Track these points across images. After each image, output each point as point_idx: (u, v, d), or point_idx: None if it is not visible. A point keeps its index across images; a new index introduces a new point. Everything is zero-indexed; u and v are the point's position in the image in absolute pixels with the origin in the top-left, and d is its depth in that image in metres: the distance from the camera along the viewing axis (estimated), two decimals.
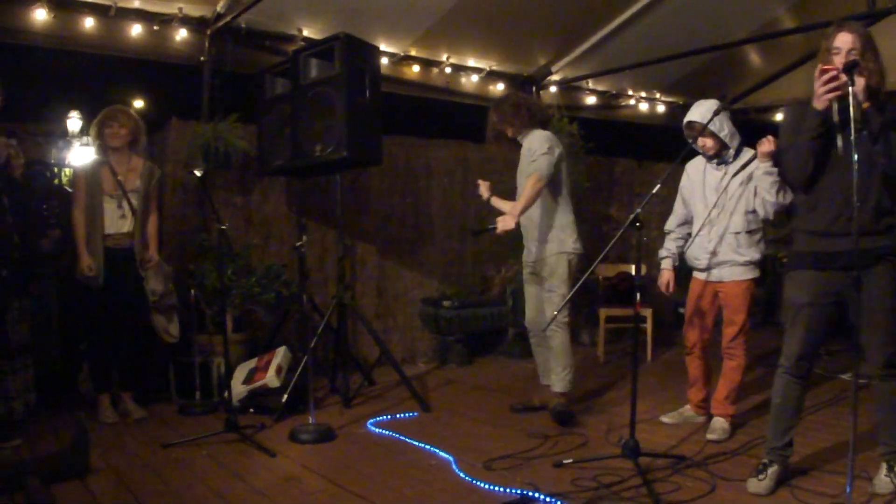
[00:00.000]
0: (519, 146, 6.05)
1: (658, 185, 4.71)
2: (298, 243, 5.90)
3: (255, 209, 7.66)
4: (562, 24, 8.42)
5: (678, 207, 5.94)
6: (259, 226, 7.67)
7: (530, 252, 6.05)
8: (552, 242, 5.90)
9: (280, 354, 6.49)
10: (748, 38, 8.87)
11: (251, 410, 6.22)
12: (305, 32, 7.39)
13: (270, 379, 6.24)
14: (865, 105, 3.95)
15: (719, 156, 5.52)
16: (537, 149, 5.80)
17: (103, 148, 6.14)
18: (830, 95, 3.92)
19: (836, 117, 3.95)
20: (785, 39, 9.08)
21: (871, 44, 4.05)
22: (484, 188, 6.25)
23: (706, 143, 5.46)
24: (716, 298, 5.66)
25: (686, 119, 5.46)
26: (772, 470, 4.40)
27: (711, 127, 5.29)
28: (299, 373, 6.18)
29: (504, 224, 5.57)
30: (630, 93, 10.49)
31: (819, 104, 3.98)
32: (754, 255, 5.47)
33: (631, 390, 4.67)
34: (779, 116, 10.00)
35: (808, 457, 4.89)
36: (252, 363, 6.58)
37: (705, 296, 5.71)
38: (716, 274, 5.58)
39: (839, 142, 3.93)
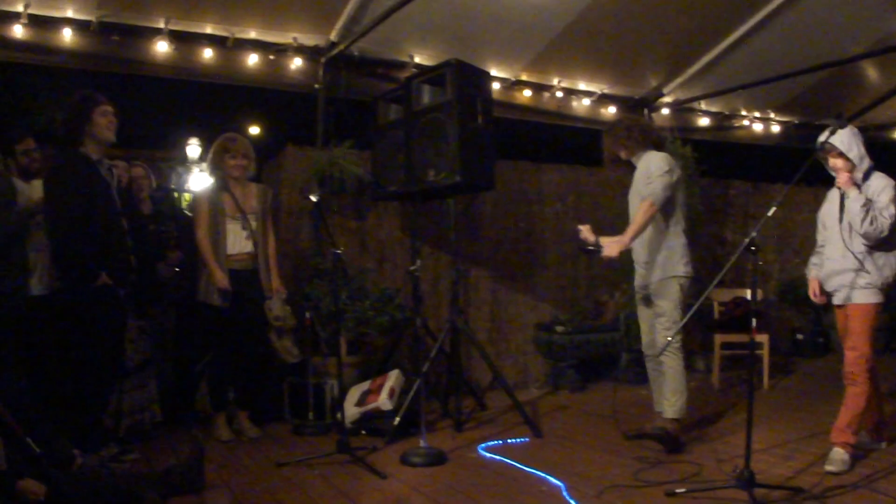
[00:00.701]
0: (633, 168, 5.99)
1: (774, 208, 4.65)
2: (412, 267, 5.96)
3: (369, 233, 7.78)
4: (673, 46, 8.36)
5: (818, 233, 5.83)
6: (373, 250, 7.79)
7: (641, 275, 5.96)
8: (663, 266, 5.81)
9: (393, 377, 6.54)
10: (864, 54, 8.62)
11: (363, 432, 6.27)
12: (417, 59, 7.52)
13: (383, 402, 6.30)
14: None
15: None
16: (655, 170, 5.73)
17: (223, 174, 6.30)
18: None
19: None
20: None
21: None
22: (587, 232, 5.94)
23: (836, 163, 5.37)
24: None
25: (819, 140, 5.38)
26: None
27: (840, 147, 5.22)
28: (412, 396, 6.19)
29: (610, 251, 5.55)
30: (743, 113, 10.34)
31: None
32: (876, 278, 5.32)
33: (746, 419, 4.57)
34: None
35: None
36: (365, 385, 6.64)
37: (840, 320, 5.61)
38: (841, 296, 5.46)
39: None
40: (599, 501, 4.66)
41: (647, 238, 5.82)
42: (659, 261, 5.80)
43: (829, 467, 5.20)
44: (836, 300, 5.53)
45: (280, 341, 6.35)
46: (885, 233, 5.05)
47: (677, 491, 4.71)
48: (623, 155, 6.00)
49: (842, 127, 4.95)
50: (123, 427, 5.96)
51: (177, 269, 6.72)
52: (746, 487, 4.46)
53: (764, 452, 5.64)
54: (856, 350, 5.34)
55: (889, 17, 8.20)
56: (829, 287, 5.60)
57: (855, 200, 5.06)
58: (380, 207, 7.79)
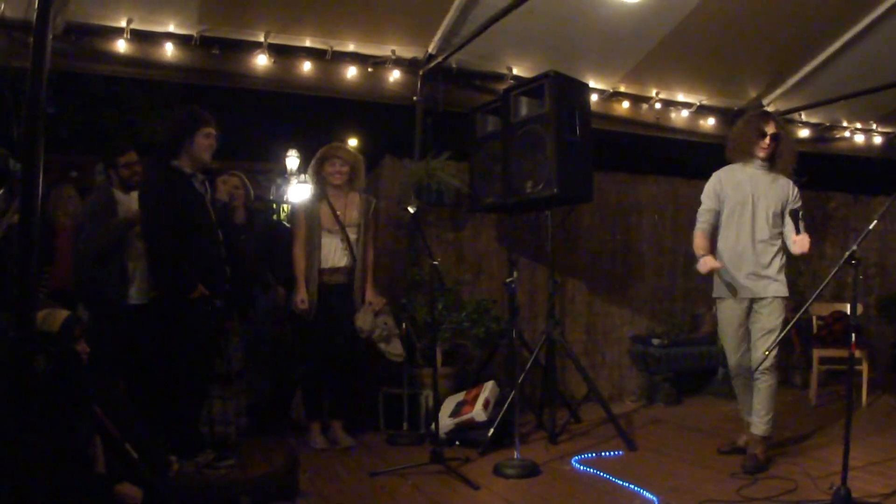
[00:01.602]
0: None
1: (875, 221, 4.60)
2: (509, 279, 5.98)
3: (466, 245, 7.82)
4: (772, 56, 8.24)
5: None
6: (470, 261, 7.82)
7: (748, 289, 5.72)
8: (782, 282, 5.71)
9: (488, 389, 6.57)
10: None
11: (457, 443, 6.29)
12: (515, 71, 7.53)
13: (477, 413, 6.32)
14: None
15: None
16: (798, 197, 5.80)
17: (322, 185, 6.39)
18: None
19: None
20: None
21: None
22: (708, 265, 5.66)
23: None
24: None
25: None
26: None
27: None
28: (506, 408, 6.20)
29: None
30: (844, 124, 10.12)
31: None
32: None
33: (844, 435, 4.50)
34: None
35: None
36: (460, 396, 6.67)
37: None
38: None
39: None
40: None
41: (760, 250, 5.68)
42: (775, 276, 5.69)
43: None
44: None
45: (387, 346, 6.43)
46: None
47: None
48: (763, 154, 5.75)
49: None
50: (217, 434, 6.08)
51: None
52: None
53: (860, 470, 5.51)
54: None
55: None
56: None
57: None
58: (477, 219, 7.82)
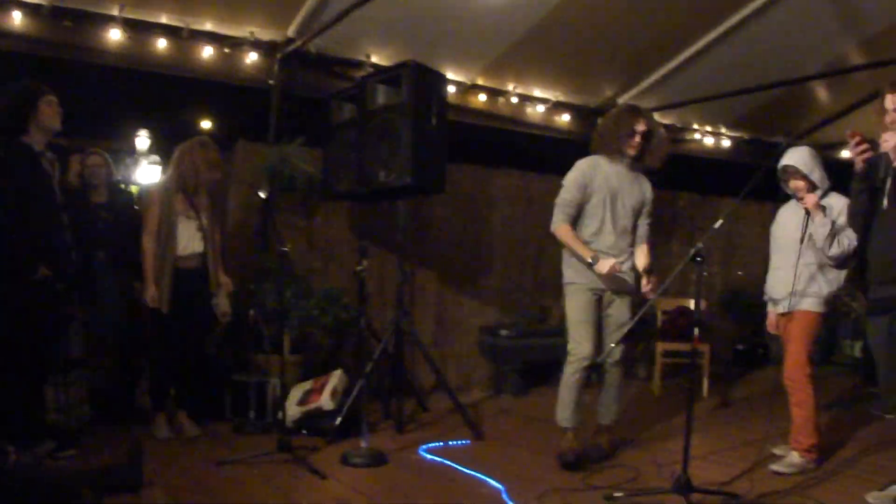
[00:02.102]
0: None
1: (720, 221, 4.77)
2: (359, 267, 5.96)
3: (317, 232, 7.75)
4: (629, 57, 8.41)
5: (771, 248, 5.95)
6: (321, 249, 7.76)
7: (602, 280, 5.64)
8: (631, 279, 5.75)
9: (336, 377, 6.52)
10: (816, 74, 8.78)
11: (304, 432, 6.24)
12: (374, 59, 7.48)
13: (325, 401, 6.28)
14: None
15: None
16: (653, 208, 5.87)
17: (193, 176, 6.22)
18: (861, 157, 4.34)
19: (883, 175, 4.38)
20: (853, 76, 8.96)
21: None
22: (608, 265, 5.52)
23: (798, 185, 5.53)
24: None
25: (782, 163, 5.50)
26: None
27: (804, 170, 5.43)
28: (354, 396, 6.19)
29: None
30: (695, 127, 10.42)
31: (857, 167, 4.42)
32: (823, 289, 5.50)
33: (685, 426, 4.67)
34: (844, 153, 9.93)
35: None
36: (307, 385, 6.61)
37: (784, 328, 5.74)
38: (787, 304, 5.59)
39: (884, 198, 4.39)
40: None
41: (621, 246, 5.70)
42: (629, 271, 5.72)
43: (774, 467, 5.48)
44: (781, 308, 5.67)
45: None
46: (850, 251, 5.22)
47: (615, 495, 4.81)
48: (632, 153, 5.73)
49: (789, 145, 5.07)
50: (58, 423, 5.86)
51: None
52: (683, 492, 4.57)
53: (701, 459, 5.73)
54: (795, 358, 5.52)
55: (842, 41, 8.37)
56: (776, 295, 5.74)
57: (822, 226, 5.27)
58: (329, 206, 7.75)
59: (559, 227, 5.65)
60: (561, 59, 8.19)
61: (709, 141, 10.57)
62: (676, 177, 9.94)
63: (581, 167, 5.72)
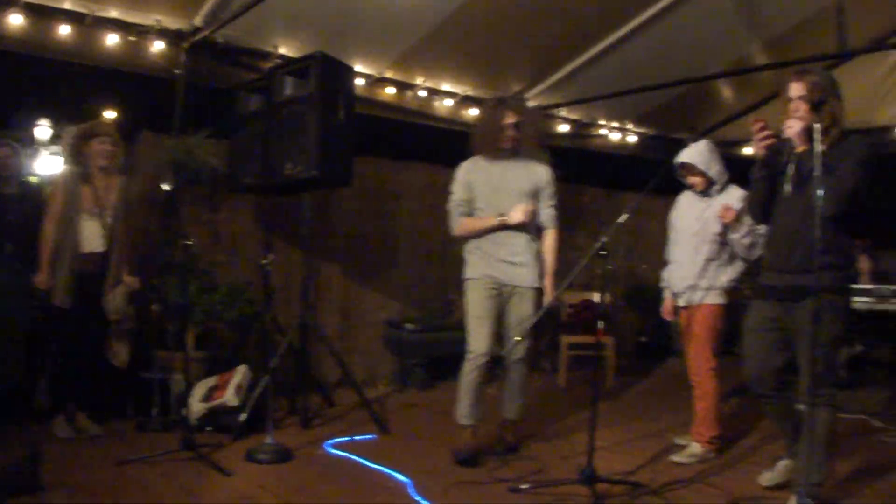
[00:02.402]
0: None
1: (625, 215, 4.83)
2: (264, 261, 5.89)
3: (222, 226, 7.64)
4: (537, 53, 8.46)
5: (670, 237, 6.02)
6: (225, 243, 7.65)
7: (499, 274, 5.65)
8: (539, 272, 5.74)
9: (240, 373, 6.45)
10: (721, 73, 8.97)
11: (209, 429, 6.15)
12: (282, 50, 7.36)
13: (229, 397, 6.20)
14: (801, 149, 4.34)
15: (706, 191, 5.71)
16: (554, 190, 5.86)
17: (86, 164, 6.06)
18: (763, 144, 4.37)
19: (785, 161, 4.44)
20: (756, 75, 9.20)
21: (821, 87, 4.36)
22: (521, 211, 5.64)
23: (695, 180, 5.66)
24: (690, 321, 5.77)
25: (678, 160, 5.57)
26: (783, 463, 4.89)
27: (701, 166, 5.58)
28: (259, 392, 6.15)
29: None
30: (602, 122, 10.54)
31: (758, 153, 4.43)
32: (722, 281, 5.61)
33: (590, 418, 4.75)
34: (747, 150, 10.15)
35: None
36: (212, 381, 6.51)
37: (684, 321, 5.84)
38: (686, 298, 5.70)
39: (786, 185, 4.42)
40: (445, 498, 4.74)
41: (515, 238, 5.69)
42: (530, 264, 5.70)
43: (675, 458, 5.62)
44: (682, 301, 5.78)
45: (116, 342, 6.16)
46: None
47: (521, 487, 4.87)
48: (510, 146, 5.70)
49: (693, 141, 5.15)
50: None
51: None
52: (588, 483, 4.64)
53: (606, 450, 5.83)
54: (699, 351, 5.64)
55: (746, 42, 8.58)
56: (675, 288, 5.84)
57: (743, 237, 5.45)
58: (234, 200, 7.64)
59: (458, 223, 5.73)
60: (470, 53, 8.20)
61: (615, 137, 10.70)
62: (582, 172, 10.08)
63: (463, 168, 5.78)
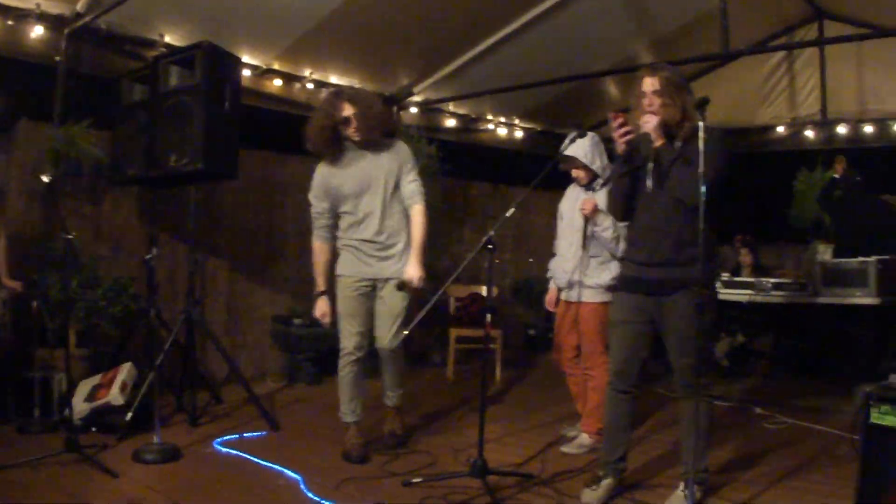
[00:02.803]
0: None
1: (512, 209, 4.84)
2: (148, 256, 5.74)
3: (105, 219, 7.40)
4: (426, 47, 8.47)
5: (558, 229, 6.06)
6: (108, 236, 7.42)
7: (368, 269, 5.61)
8: (401, 263, 5.66)
9: (125, 371, 6.27)
10: (607, 71, 9.11)
11: (93, 429, 5.97)
12: (167, 38, 7.18)
13: (114, 396, 6.03)
14: (658, 143, 4.37)
15: (590, 184, 5.76)
16: (413, 164, 5.73)
17: None
18: (624, 139, 4.36)
19: (644, 156, 4.46)
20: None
21: (673, 82, 4.40)
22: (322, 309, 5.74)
23: (579, 174, 5.74)
24: (576, 318, 5.80)
25: (562, 151, 5.58)
26: (605, 482, 4.66)
27: (583, 159, 5.62)
28: (145, 390, 6.00)
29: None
30: (489, 117, 10.63)
31: (618, 148, 4.40)
32: (605, 279, 5.65)
33: (479, 410, 4.78)
34: None
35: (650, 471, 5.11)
36: (96, 379, 6.32)
37: (567, 315, 5.87)
38: (574, 294, 5.75)
39: (648, 180, 4.45)
40: (337, 494, 4.72)
41: (385, 229, 5.63)
42: (399, 255, 5.65)
43: (564, 449, 5.72)
44: (564, 295, 5.84)
45: None
46: None
47: (414, 481, 4.86)
48: (358, 136, 5.55)
49: (581, 136, 5.18)
50: None
51: None
52: (480, 475, 4.67)
53: (496, 442, 5.90)
54: (593, 346, 5.69)
55: (632, 40, 8.77)
56: (560, 283, 5.89)
57: (604, 230, 5.48)
58: (117, 192, 7.42)
59: (313, 244, 5.79)
60: (358, 46, 8.15)
61: (502, 132, 10.80)
62: (469, 166, 10.13)
63: (321, 170, 5.70)
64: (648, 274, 4.50)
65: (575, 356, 5.98)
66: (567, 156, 5.57)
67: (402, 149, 5.70)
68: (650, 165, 4.45)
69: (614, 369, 4.70)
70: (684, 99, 4.38)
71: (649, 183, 4.48)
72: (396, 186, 5.60)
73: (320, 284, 5.64)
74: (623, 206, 4.62)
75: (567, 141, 5.33)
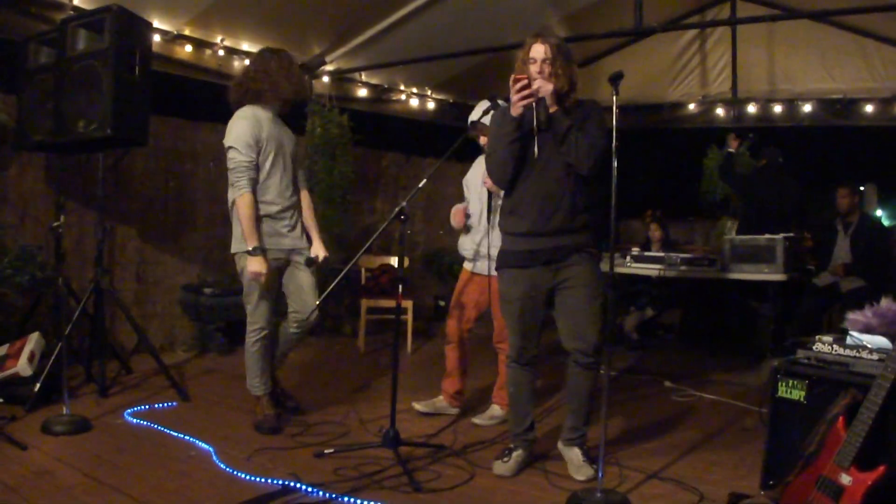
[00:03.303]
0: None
1: (424, 181, 4.97)
2: (55, 223, 5.66)
3: (10, 186, 7.24)
4: (339, 16, 8.42)
5: (466, 199, 6.08)
6: (14, 204, 7.26)
7: (286, 241, 5.63)
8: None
9: (33, 341, 6.14)
10: (520, 44, 9.11)
11: (1, 400, 5.85)
12: (76, 1, 6.98)
13: (22, 367, 5.90)
14: (553, 109, 4.35)
15: None
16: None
17: None
18: (523, 102, 4.30)
19: (535, 123, 4.39)
20: None
21: (563, 51, 4.44)
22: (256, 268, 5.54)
23: (486, 141, 5.67)
24: (481, 291, 5.81)
25: (472, 118, 5.59)
26: (516, 454, 4.75)
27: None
28: (53, 360, 5.89)
29: None
30: (402, 88, 10.61)
31: (514, 111, 4.34)
32: None
33: (391, 381, 4.86)
34: None
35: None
36: (3, 350, 6.17)
37: (470, 287, 5.88)
38: (482, 266, 5.75)
39: (535, 147, 4.40)
40: (249, 465, 4.72)
41: (295, 202, 5.73)
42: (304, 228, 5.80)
43: (476, 420, 5.80)
44: (475, 269, 5.84)
45: None
46: None
47: (326, 452, 4.92)
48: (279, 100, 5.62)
49: (494, 108, 5.18)
50: None
51: None
52: (392, 446, 4.76)
53: (408, 413, 5.96)
54: (502, 321, 5.66)
55: (546, 14, 8.81)
56: (466, 255, 5.91)
57: (500, 197, 5.38)
58: (23, 158, 7.25)
59: (243, 195, 5.40)
60: (270, 13, 8.06)
61: (414, 102, 10.80)
62: (382, 137, 10.12)
63: (248, 119, 5.48)
64: (541, 244, 4.49)
65: (469, 328, 6.03)
66: (476, 122, 5.58)
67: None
68: (537, 132, 4.41)
69: (516, 344, 4.74)
70: (573, 69, 4.44)
71: (535, 150, 4.44)
72: (294, 164, 5.76)
73: (257, 240, 5.43)
74: (510, 172, 4.51)
75: (479, 109, 5.36)
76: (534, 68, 4.40)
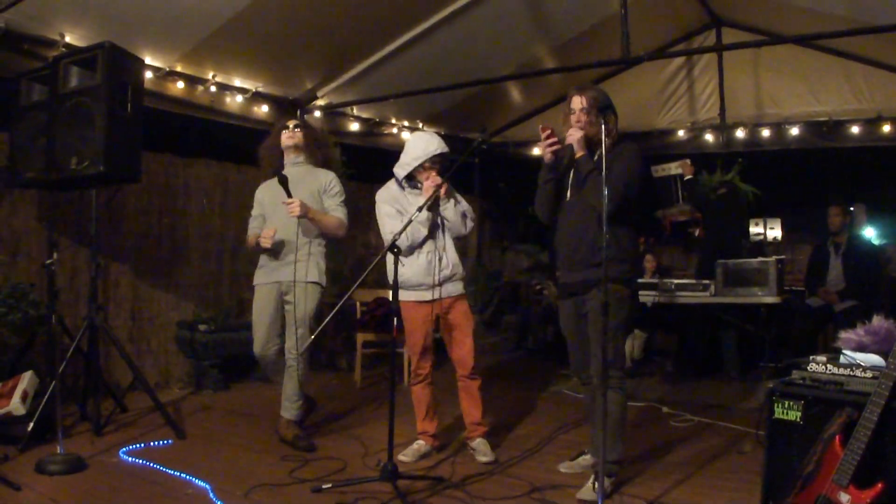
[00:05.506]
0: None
1: (416, 214, 5.12)
2: (48, 261, 5.68)
3: (2, 223, 7.20)
4: (330, 50, 8.44)
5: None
6: (7, 241, 7.22)
7: (276, 273, 6.01)
8: (309, 267, 5.95)
9: (26, 379, 6.09)
10: (510, 76, 9.22)
11: None
12: (68, 38, 6.97)
13: (15, 406, 5.85)
14: (579, 154, 4.77)
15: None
16: (340, 191, 6.26)
17: None
18: (549, 150, 4.84)
19: (566, 165, 4.96)
20: (545, 78, 9.56)
21: (598, 102, 4.85)
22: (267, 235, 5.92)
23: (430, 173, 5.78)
24: (424, 319, 5.74)
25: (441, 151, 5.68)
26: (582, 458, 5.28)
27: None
28: (47, 399, 5.83)
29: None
30: (393, 121, 10.64)
31: (545, 157, 4.90)
32: (461, 269, 5.83)
33: (388, 414, 4.84)
34: (535, 151, 10.48)
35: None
36: None
37: (423, 318, 5.75)
38: (433, 292, 5.65)
39: (567, 188, 4.92)
40: (247, 501, 4.68)
41: (295, 235, 5.93)
42: (306, 260, 6.02)
43: (482, 458, 5.63)
44: (421, 297, 5.72)
45: None
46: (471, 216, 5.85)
47: (324, 487, 4.86)
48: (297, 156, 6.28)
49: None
50: None
51: None
52: (391, 479, 4.70)
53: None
54: (469, 345, 5.79)
55: (535, 46, 8.87)
56: (424, 285, 5.72)
57: (453, 208, 5.68)
58: (15, 195, 7.22)
59: (247, 240, 6.25)
60: (262, 48, 8.07)
61: (406, 136, 10.74)
62: (374, 171, 10.12)
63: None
64: (572, 277, 4.90)
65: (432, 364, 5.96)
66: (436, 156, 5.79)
67: (327, 175, 6.42)
68: (570, 176, 4.89)
69: (574, 366, 5.14)
70: (607, 118, 4.65)
71: (568, 193, 4.90)
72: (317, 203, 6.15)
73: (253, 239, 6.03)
74: (548, 210, 5.02)
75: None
76: (573, 118, 4.85)
